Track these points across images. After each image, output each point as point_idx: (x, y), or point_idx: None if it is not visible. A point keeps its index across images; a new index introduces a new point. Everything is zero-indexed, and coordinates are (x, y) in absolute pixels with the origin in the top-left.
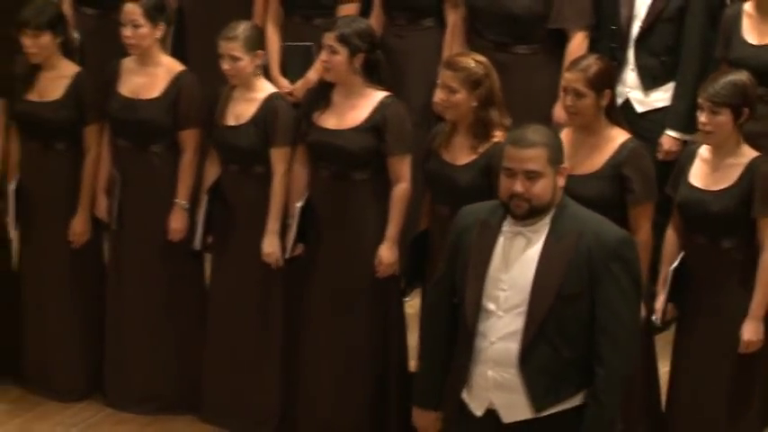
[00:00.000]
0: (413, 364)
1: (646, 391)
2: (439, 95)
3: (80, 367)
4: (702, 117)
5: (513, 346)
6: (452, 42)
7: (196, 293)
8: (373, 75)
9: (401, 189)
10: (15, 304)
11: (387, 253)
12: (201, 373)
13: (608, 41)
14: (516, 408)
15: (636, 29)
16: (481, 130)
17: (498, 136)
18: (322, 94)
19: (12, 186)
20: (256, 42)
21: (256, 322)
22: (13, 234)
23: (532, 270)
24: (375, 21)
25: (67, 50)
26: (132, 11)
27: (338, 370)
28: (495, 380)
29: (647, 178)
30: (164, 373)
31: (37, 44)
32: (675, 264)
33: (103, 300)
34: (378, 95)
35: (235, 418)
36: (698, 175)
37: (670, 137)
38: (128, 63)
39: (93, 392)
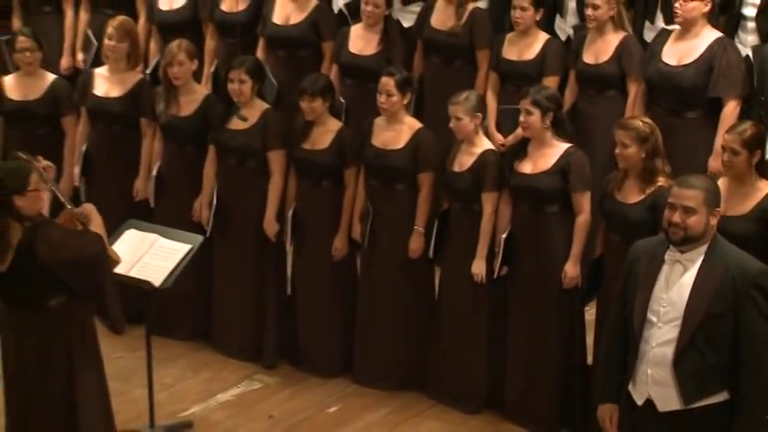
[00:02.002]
0: (589, 359)
1: None
2: (616, 150)
3: (336, 351)
4: None
5: (668, 351)
6: (633, 108)
7: (426, 297)
8: (559, 129)
9: (583, 219)
10: (290, 303)
11: (572, 269)
12: (428, 358)
13: (758, 110)
14: (669, 400)
15: None
16: (648, 176)
17: (661, 181)
18: (521, 147)
19: (289, 213)
20: (476, 107)
21: (470, 321)
22: (289, 249)
23: (688, 292)
24: (570, 92)
25: (333, 111)
26: (387, 83)
27: (534, 361)
28: (653, 377)
29: None
30: (399, 358)
31: (311, 106)
32: None
33: (355, 300)
34: (563, 146)
35: (451, 394)
36: None
37: None
38: (379, 121)
39: (344, 371)
